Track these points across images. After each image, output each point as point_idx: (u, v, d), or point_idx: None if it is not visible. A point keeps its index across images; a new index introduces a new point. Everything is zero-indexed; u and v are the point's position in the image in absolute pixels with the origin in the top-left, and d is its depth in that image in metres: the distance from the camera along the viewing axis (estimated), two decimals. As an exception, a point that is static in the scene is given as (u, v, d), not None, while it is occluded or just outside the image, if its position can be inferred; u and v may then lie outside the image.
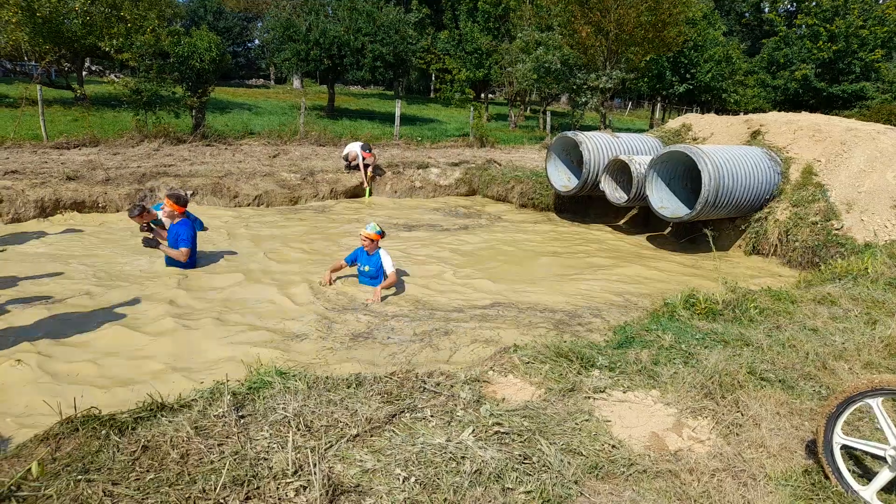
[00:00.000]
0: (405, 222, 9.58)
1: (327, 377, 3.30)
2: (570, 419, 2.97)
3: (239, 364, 4.23)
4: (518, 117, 27.18)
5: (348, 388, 3.19)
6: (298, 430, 2.74)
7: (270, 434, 2.70)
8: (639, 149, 10.39)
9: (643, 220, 10.27)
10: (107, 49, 14.70)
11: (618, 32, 18.52)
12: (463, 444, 2.62)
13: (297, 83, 38.85)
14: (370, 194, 11.56)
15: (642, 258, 8.31)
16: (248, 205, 10.03)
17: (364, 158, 11.51)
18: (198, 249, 6.64)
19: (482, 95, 31.23)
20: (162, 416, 2.82)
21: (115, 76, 20.31)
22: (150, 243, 6.33)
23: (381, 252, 6.18)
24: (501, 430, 2.75)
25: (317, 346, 4.83)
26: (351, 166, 11.74)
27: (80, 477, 2.33)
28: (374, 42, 21.87)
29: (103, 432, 2.65)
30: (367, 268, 6.21)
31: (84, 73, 20.96)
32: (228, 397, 2.92)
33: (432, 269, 7.15)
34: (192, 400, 2.98)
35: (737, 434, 3.00)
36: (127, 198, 8.93)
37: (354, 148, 11.70)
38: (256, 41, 51.55)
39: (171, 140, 13.84)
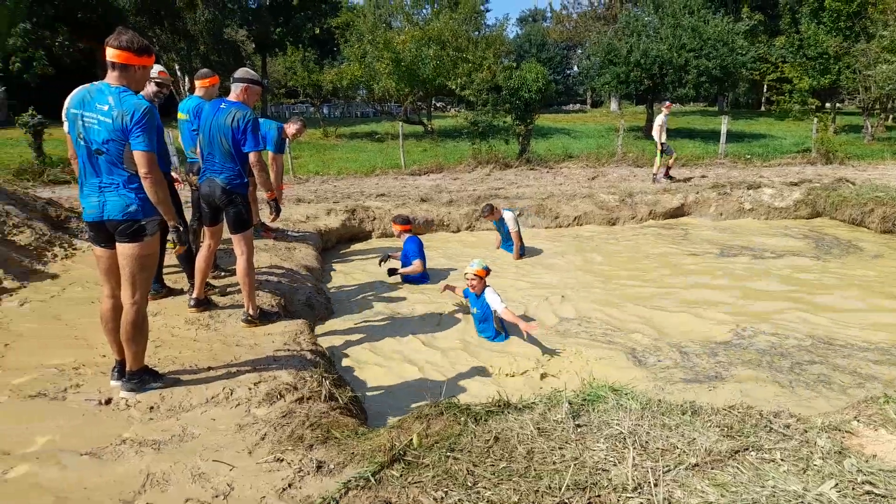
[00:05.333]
0: (730, 247, 8.87)
1: (660, 400, 3.27)
2: (971, 496, 2.42)
3: (568, 375, 4.46)
4: (877, 128, 22.92)
5: (683, 414, 3.12)
6: (634, 447, 2.78)
7: (606, 447, 2.79)
8: None
9: None
10: (453, 87, 16.88)
11: None
12: (825, 496, 2.34)
13: (613, 105, 39.06)
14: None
15: None
16: (568, 225, 10.43)
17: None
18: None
19: (826, 105, 27.17)
20: (508, 413, 3.14)
21: (456, 110, 23.15)
22: (392, 273, 7.11)
23: (488, 291, 5.44)
24: (876, 491, 2.38)
25: (650, 371, 4.82)
26: None
27: (448, 454, 2.74)
28: (699, 57, 20.82)
29: (462, 419, 3.07)
30: (475, 310, 5.56)
31: (431, 109, 24.36)
32: (566, 405, 3.11)
33: (773, 295, 6.50)
34: (533, 403, 3.25)
35: None
36: (465, 217, 10.09)
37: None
38: (575, 68, 53.49)
39: (499, 165, 15.20)
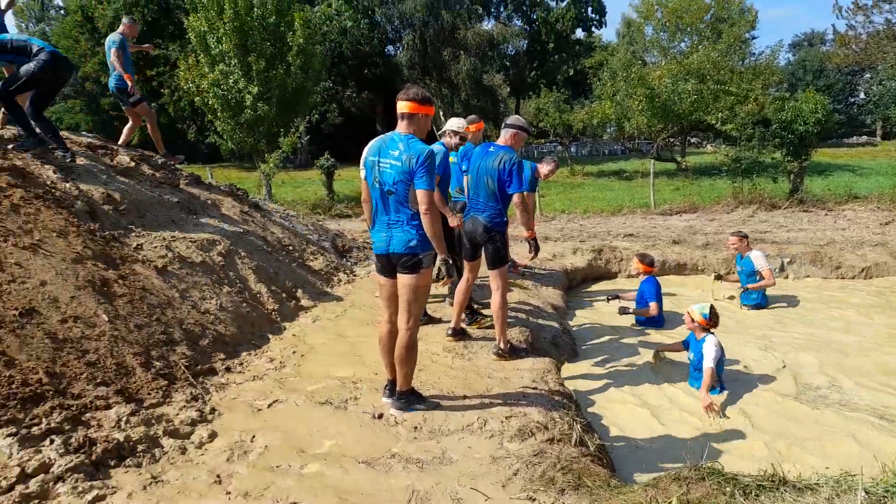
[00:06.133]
0: None
1: None
2: None
3: (857, 454, 3.79)
4: None
5: None
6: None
7: (921, 556, 2.30)
8: None
9: None
10: (712, 122, 15.87)
11: None
12: None
13: (915, 136, 32.92)
14: None
15: None
16: (853, 277, 8.97)
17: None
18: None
19: None
20: (784, 491, 2.76)
21: (713, 146, 21.67)
22: (623, 312, 6.77)
23: (709, 340, 5.01)
24: None
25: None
26: None
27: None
28: None
29: (728, 489, 2.78)
30: (691, 355, 5.24)
31: (686, 146, 23.14)
32: (862, 494, 2.63)
33: None
34: (816, 484, 2.81)
35: None
36: (724, 262, 9.29)
37: None
38: (862, 95, 46.53)
39: (764, 206, 13.78)
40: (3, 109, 5.97)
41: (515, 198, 4.69)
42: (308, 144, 30.00)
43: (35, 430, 3.01)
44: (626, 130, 21.37)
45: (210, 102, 16.63)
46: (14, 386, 3.20)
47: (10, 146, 5.40)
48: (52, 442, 2.96)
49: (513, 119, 4.98)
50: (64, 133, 6.82)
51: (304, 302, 6.06)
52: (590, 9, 38.77)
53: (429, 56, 31.01)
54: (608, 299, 7.30)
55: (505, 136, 4.83)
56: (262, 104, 16.14)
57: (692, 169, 20.84)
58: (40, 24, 46.18)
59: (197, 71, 16.63)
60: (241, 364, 4.49)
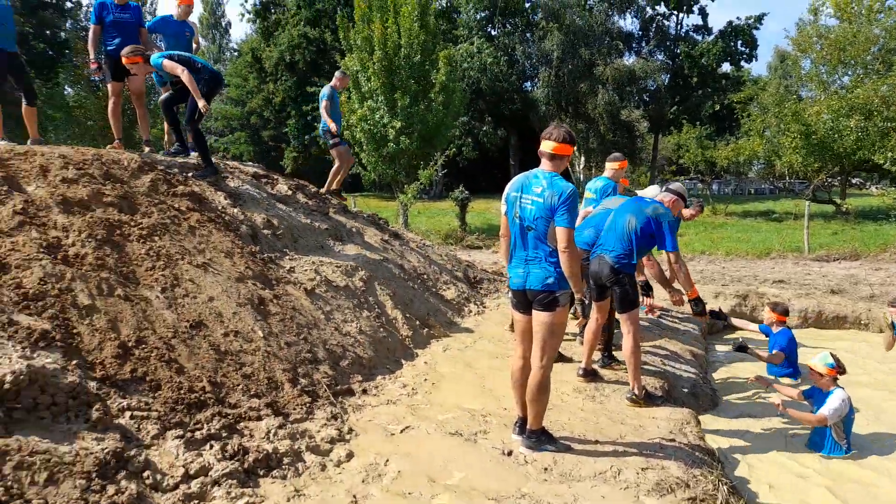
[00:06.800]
0: None
1: None
2: None
3: None
4: None
5: None
6: None
7: None
8: None
9: None
10: (879, 162, 14.38)
11: None
12: None
13: None
14: None
15: None
16: None
17: None
18: None
19: None
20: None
21: (879, 188, 19.59)
22: (741, 350, 6.24)
23: (836, 393, 4.72)
24: None
25: None
26: None
27: None
28: None
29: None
30: (815, 409, 4.91)
31: (846, 187, 21.11)
32: None
33: None
34: None
35: None
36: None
37: None
38: None
39: (945, 257, 12.18)
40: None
41: (672, 257, 4.69)
42: (444, 177, 30.93)
43: (198, 434, 3.31)
44: (777, 169, 19.89)
45: (357, 136, 17.73)
46: (182, 392, 3.55)
47: (190, 174, 6.08)
48: (211, 447, 3.24)
49: (676, 185, 5.08)
50: (233, 163, 7.59)
51: (436, 330, 6.20)
52: (739, 42, 36.81)
53: (564, 91, 30.95)
54: (714, 316, 6.81)
55: (664, 197, 4.90)
56: (404, 138, 16.94)
57: (854, 212, 18.89)
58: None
59: (348, 107, 17.84)
60: (377, 387, 4.66)
